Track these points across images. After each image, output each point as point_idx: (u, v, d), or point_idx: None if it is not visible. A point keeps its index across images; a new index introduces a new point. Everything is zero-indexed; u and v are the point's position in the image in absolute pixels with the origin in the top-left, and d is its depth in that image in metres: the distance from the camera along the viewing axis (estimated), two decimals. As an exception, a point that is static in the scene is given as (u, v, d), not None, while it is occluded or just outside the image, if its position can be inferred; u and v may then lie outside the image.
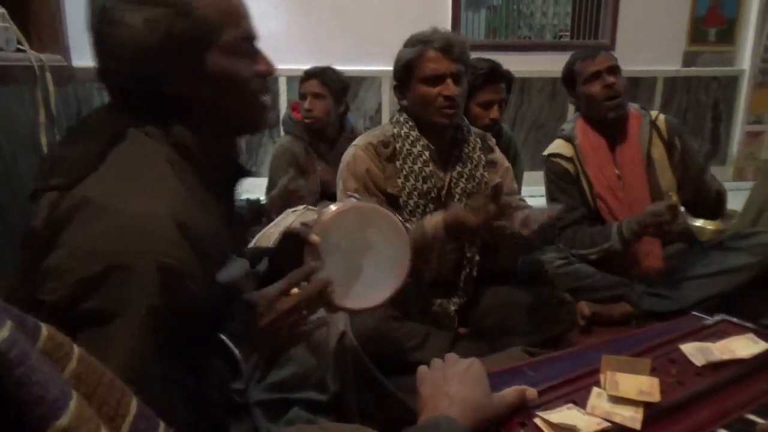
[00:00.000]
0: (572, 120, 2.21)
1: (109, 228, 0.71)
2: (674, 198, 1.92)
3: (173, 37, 0.78)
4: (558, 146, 2.17)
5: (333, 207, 1.06)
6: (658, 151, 2.08)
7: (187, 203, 0.78)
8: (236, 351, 0.85)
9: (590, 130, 2.11)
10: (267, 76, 0.91)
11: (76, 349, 0.44)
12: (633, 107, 2.13)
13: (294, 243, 1.00)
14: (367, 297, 1.07)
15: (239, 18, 0.85)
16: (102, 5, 0.78)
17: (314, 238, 0.99)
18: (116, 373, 0.65)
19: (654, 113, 2.13)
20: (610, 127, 2.08)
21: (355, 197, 1.19)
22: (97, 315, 0.68)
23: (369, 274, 1.07)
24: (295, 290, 0.92)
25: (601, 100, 2.03)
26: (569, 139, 2.14)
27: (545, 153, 2.21)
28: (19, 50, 1.29)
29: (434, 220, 1.52)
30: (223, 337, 0.85)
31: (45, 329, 0.42)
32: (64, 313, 0.68)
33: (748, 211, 2.51)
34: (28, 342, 0.37)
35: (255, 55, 0.89)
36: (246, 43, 0.87)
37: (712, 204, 2.08)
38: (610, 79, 2.02)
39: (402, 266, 1.10)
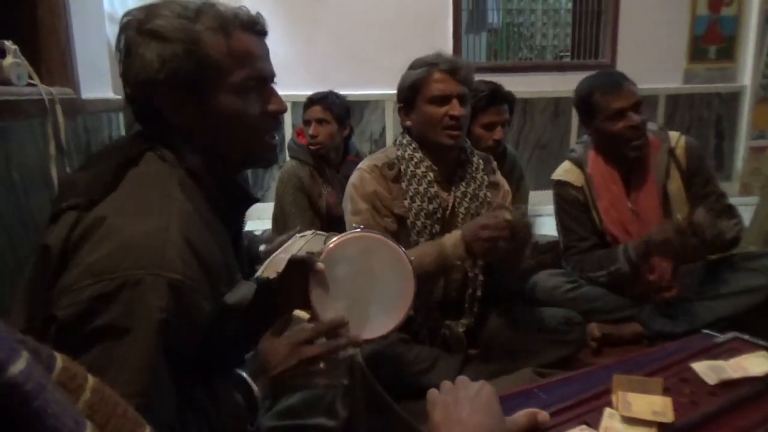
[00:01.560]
0: (584, 142, 2.07)
1: (121, 246, 0.73)
2: (681, 219, 1.75)
3: (179, 74, 0.82)
4: (567, 172, 2.04)
5: (339, 235, 1.08)
6: (676, 185, 1.95)
7: (195, 223, 0.81)
8: (255, 388, 0.85)
9: (603, 162, 1.98)
10: (277, 115, 0.93)
11: (90, 380, 0.44)
12: (651, 132, 1.96)
13: (300, 271, 1.01)
14: (373, 326, 1.07)
15: (251, 59, 0.88)
16: (125, 35, 0.84)
17: (320, 266, 1.00)
18: (127, 386, 0.66)
19: (674, 138, 1.97)
20: (626, 160, 1.94)
21: (360, 227, 1.20)
22: (108, 331, 0.70)
23: (374, 302, 1.07)
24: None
25: (626, 140, 1.88)
26: (579, 165, 2.01)
27: (553, 177, 2.07)
28: (30, 84, 1.32)
29: (454, 236, 1.50)
30: (243, 374, 0.86)
31: (60, 360, 0.42)
32: (75, 329, 0.70)
33: (753, 229, 2.48)
34: (44, 373, 0.38)
35: (266, 94, 0.92)
36: (257, 83, 0.89)
37: (719, 250, 1.92)
38: (636, 118, 1.85)
39: (406, 296, 1.10)
